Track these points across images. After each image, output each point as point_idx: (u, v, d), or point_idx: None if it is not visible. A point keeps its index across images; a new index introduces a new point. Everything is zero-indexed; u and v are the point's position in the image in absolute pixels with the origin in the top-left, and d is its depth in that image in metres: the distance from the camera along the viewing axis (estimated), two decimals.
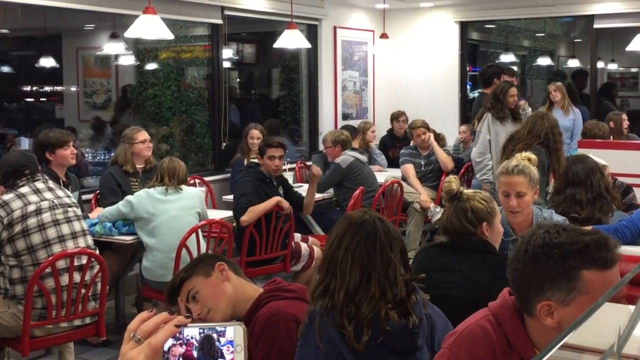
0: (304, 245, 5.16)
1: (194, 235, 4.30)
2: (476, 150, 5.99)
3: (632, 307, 1.34)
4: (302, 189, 6.39)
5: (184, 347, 1.03)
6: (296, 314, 2.25)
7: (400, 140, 7.86)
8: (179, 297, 2.38)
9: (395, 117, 7.94)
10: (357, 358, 2.03)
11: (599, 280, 1.57)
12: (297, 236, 5.27)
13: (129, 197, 4.45)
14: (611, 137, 6.14)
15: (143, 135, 5.14)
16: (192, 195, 4.55)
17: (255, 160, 5.15)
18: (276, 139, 5.24)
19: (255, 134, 6.30)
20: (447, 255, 2.73)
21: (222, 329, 1.04)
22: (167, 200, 4.40)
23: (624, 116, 6.69)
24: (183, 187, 4.51)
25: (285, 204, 4.87)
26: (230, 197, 6.09)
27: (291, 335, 2.21)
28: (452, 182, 2.82)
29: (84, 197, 5.15)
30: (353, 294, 2.07)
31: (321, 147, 7.90)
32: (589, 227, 3.39)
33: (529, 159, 3.39)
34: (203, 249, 4.35)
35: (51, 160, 4.59)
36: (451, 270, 2.65)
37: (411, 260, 6.75)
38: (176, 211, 4.39)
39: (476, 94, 9.59)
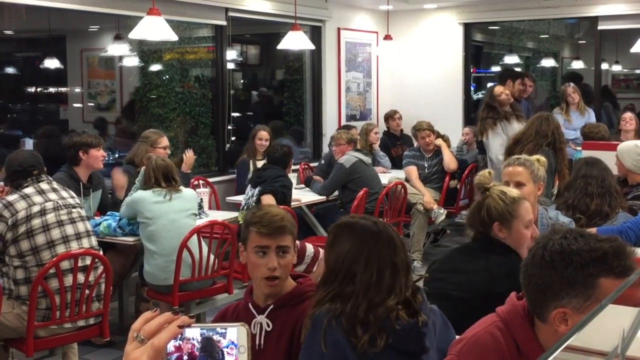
0: (309, 247, 5.13)
1: (194, 236, 4.30)
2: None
3: (636, 309, 1.34)
4: (305, 190, 6.41)
5: (186, 347, 1.03)
6: None
7: (399, 139, 7.88)
8: (275, 241, 2.30)
9: (390, 115, 8.01)
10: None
11: (616, 287, 1.54)
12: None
13: (127, 200, 4.44)
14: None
15: (165, 141, 5.21)
16: (189, 197, 4.49)
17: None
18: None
19: (263, 135, 6.31)
20: (461, 255, 2.74)
21: (224, 330, 1.04)
22: (165, 201, 4.34)
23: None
24: (182, 187, 4.48)
25: None
26: (234, 198, 6.10)
27: None
28: (484, 175, 2.78)
29: None
30: (373, 301, 2.05)
31: (324, 148, 7.91)
32: (593, 229, 3.41)
33: (538, 160, 3.40)
34: (204, 250, 4.35)
35: (82, 159, 4.63)
36: (459, 271, 2.66)
37: (415, 261, 6.69)
38: (174, 214, 4.34)
39: (480, 96, 9.59)
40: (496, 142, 6.12)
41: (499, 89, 6.25)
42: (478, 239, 2.72)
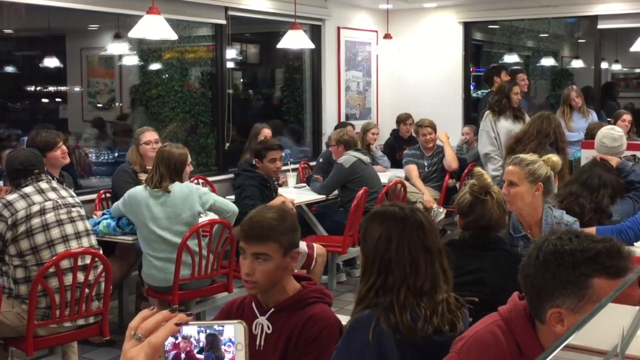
0: (302, 244, 5.10)
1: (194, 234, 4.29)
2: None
3: (635, 308, 1.34)
4: (304, 189, 6.41)
5: (183, 345, 1.03)
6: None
7: (406, 142, 7.85)
8: (250, 247, 2.26)
9: (403, 119, 7.92)
10: (403, 355, 2.04)
11: (610, 288, 1.54)
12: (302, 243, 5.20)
13: (125, 195, 4.35)
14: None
15: (148, 135, 5.01)
16: (180, 200, 4.27)
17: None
18: (275, 141, 5.26)
19: (268, 133, 6.23)
20: (461, 257, 2.73)
21: (221, 327, 1.03)
22: (155, 205, 4.22)
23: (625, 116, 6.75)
24: (173, 187, 4.25)
25: (289, 203, 4.87)
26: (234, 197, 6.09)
27: (336, 342, 2.28)
28: (485, 174, 2.84)
29: (88, 197, 5.15)
30: (419, 286, 2.09)
31: (324, 148, 7.89)
32: (592, 229, 3.41)
33: (548, 159, 3.31)
34: (204, 250, 4.34)
35: (44, 162, 4.57)
36: (464, 273, 2.64)
37: None
38: (165, 221, 4.23)
39: (479, 94, 9.59)
40: (482, 137, 6.18)
41: (517, 87, 6.23)
42: (478, 236, 2.73)
